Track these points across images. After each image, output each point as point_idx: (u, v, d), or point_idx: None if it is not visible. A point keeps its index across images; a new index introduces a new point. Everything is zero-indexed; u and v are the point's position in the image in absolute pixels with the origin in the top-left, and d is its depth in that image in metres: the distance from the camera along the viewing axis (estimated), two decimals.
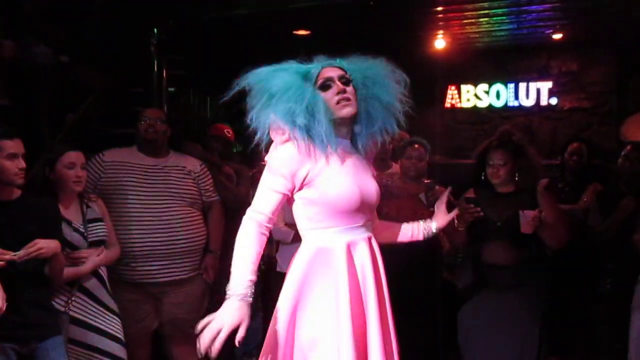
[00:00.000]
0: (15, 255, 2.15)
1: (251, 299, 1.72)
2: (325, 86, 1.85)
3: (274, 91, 1.79)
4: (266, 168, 1.86)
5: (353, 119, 1.89)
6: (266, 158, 1.89)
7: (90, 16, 4.39)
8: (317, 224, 1.86)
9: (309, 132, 1.79)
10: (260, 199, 1.83)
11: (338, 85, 1.84)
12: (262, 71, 1.84)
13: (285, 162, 1.81)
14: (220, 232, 3.26)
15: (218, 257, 3.26)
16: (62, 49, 4.43)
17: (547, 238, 2.90)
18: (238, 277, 1.73)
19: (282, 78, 1.81)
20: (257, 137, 1.83)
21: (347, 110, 1.84)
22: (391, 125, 1.90)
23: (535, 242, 2.91)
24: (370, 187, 1.92)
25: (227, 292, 1.71)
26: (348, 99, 1.84)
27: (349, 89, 1.86)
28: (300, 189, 1.84)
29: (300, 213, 1.89)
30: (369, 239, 1.92)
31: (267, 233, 1.82)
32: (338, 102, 1.83)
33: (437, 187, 3.32)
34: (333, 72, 1.87)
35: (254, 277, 1.75)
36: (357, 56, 1.93)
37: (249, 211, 1.83)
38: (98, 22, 4.36)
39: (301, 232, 1.92)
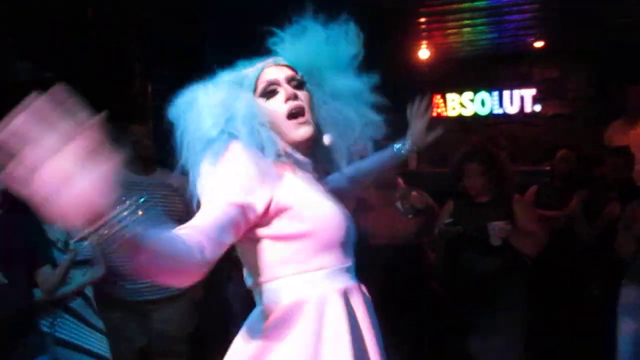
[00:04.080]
0: None
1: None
2: (268, 93, 1.34)
3: (197, 118, 1.26)
4: (207, 183, 1.21)
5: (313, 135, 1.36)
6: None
7: (74, 30, 4.35)
8: (296, 266, 1.25)
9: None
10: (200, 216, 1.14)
11: (286, 89, 1.33)
12: (186, 96, 1.29)
13: (244, 175, 1.20)
14: None
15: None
16: (46, 65, 4.39)
17: (523, 247, 2.92)
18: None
19: (207, 97, 1.27)
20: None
21: (304, 131, 1.32)
22: (373, 126, 1.42)
23: (511, 251, 2.94)
24: (347, 214, 1.35)
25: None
26: (301, 110, 1.32)
27: (302, 93, 1.35)
28: (260, 223, 1.22)
29: (267, 257, 1.26)
30: (360, 287, 1.36)
31: (208, 259, 1.05)
32: (290, 117, 1.31)
33: (412, 192, 3.07)
34: (278, 73, 1.35)
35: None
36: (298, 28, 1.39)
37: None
38: (82, 36, 4.33)
39: (265, 286, 1.27)
